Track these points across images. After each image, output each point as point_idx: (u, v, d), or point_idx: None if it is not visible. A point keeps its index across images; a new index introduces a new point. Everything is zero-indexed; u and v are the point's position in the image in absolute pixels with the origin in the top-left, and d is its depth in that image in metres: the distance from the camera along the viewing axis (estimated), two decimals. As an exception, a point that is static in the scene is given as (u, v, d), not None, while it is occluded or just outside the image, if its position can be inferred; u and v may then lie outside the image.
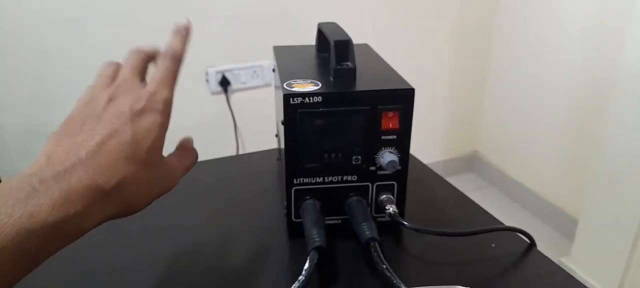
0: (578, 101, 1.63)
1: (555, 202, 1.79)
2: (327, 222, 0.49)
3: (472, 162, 2.20)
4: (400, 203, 0.50)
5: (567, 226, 1.68)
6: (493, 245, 0.50)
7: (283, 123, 0.46)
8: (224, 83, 1.50)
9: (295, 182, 0.48)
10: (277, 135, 0.64)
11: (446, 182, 0.63)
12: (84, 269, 0.46)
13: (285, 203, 0.49)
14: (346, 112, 0.45)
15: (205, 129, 1.50)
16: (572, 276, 0.46)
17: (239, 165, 0.69)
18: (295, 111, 0.45)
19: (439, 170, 0.66)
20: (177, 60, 0.37)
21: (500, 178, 2.05)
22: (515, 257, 0.48)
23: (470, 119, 2.13)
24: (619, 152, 1.30)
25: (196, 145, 0.42)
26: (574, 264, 1.44)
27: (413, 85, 0.47)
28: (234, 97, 1.56)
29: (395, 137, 0.47)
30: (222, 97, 1.54)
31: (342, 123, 0.46)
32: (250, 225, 0.54)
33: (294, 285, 0.40)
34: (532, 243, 0.50)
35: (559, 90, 1.70)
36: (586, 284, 0.43)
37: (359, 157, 0.48)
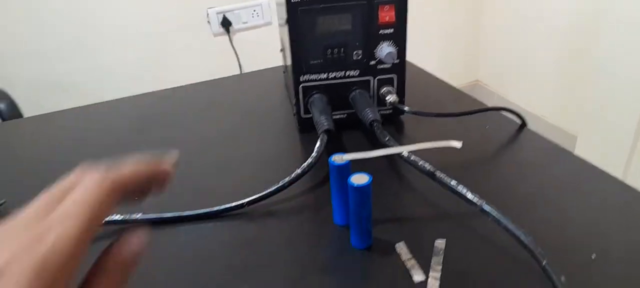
0: (574, 25, 1.64)
1: (555, 122, 1.83)
2: (333, 116, 0.53)
3: (474, 91, 2.23)
4: (400, 95, 0.54)
5: (566, 144, 1.73)
6: (487, 126, 0.54)
7: (286, 22, 0.49)
8: (226, 24, 1.52)
9: (301, 79, 0.52)
10: (281, 50, 0.68)
11: (442, 81, 0.67)
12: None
13: (294, 101, 0.53)
14: (344, 7, 0.49)
15: (211, 72, 1.53)
16: (562, 147, 0.50)
17: (246, 81, 0.73)
18: (296, 10, 0.48)
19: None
20: (108, 189, 0.22)
21: (501, 104, 2.09)
22: (508, 136, 0.53)
23: (471, 50, 2.14)
24: (612, 71, 1.32)
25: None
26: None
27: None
28: (236, 38, 1.59)
29: (392, 30, 0.51)
30: (225, 38, 1.56)
31: (341, 19, 0.50)
32: (262, 127, 0.58)
33: (306, 161, 0.45)
34: (523, 123, 0.54)
35: (555, 14, 1.70)
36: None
37: (360, 51, 0.51)
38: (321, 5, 0.48)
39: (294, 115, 0.56)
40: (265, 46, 1.56)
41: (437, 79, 0.68)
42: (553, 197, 0.43)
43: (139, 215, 0.42)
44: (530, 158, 0.49)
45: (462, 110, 0.59)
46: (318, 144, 0.46)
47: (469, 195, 0.37)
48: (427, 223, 0.40)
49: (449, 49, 2.08)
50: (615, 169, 1.37)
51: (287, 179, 0.43)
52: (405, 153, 0.42)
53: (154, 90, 0.71)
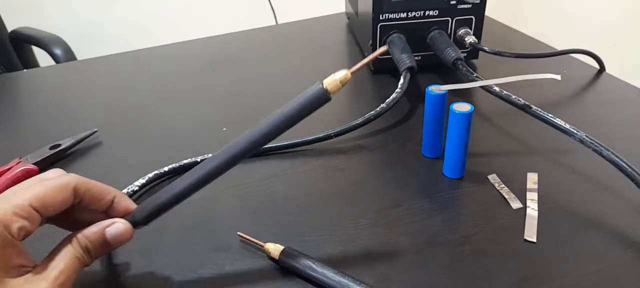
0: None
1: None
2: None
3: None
4: (477, 37, 0.53)
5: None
6: (564, 71, 0.54)
7: (370, -41, 0.49)
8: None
9: (381, 17, 0.51)
10: (347, -6, 0.67)
11: (511, 28, 0.66)
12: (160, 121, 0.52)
13: (371, 41, 0.53)
14: (431, -58, 0.48)
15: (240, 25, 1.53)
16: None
17: (302, 28, 0.73)
18: (382, -55, 0.48)
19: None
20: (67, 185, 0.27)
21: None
22: (587, 80, 0.52)
23: None
24: None
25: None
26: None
27: None
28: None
29: (475, -32, 0.50)
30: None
31: (426, -45, 0.49)
32: (333, 68, 0.58)
33: (390, 96, 0.45)
34: (602, 68, 0.53)
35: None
36: None
37: (441, -10, 0.51)
38: (407, -60, 0.48)
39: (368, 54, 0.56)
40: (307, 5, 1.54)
41: (505, 25, 0.66)
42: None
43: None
44: (612, 99, 0.49)
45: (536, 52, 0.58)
46: (401, 80, 0.46)
47: (567, 126, 0.37)
48: (518, 157, 0.41)
49: None
50: None
51: (372, 112, 0.44)
52: (495, 87, 0.42)
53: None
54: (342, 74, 0.28)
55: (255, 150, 0.29)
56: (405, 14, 0.51)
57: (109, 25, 1.48)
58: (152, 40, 0.74)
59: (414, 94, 0.50)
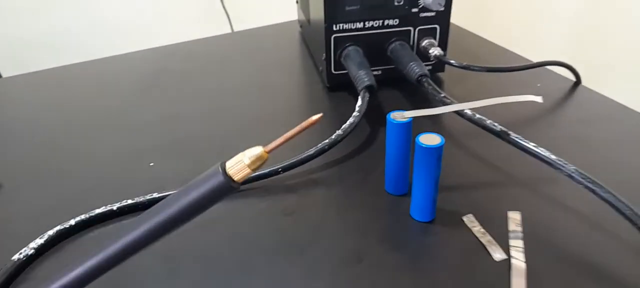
0: None
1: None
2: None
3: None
4: (442, 48, 0.48)
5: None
6: (539, 84, 0.49)
7: (320, -39, 0.42)
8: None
9: (334, 28, 0.45)
10: (297, 1, 0.61)
11: (477, 35, 0.61)
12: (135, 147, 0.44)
13: (322, 55, 0.47)
14: (389, -59, 0.42)
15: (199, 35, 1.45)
16: (623, 105, 0.45)
17: (252, 38, 0.66)
18: (334, -55, 0.41)
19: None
20: None
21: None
22: (562, 94, 0.47)
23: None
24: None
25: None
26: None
27: None
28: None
29: (439, -28, 0.44)
30: (217, -1, 1.47)
31: (384, -44, 0.43)
32: (283, 86, 0.51)
33: (347, 121, 0.38)
34: (578, 80, 0.49)
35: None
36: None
37: (402, -4, 0.45)
38: (362, -61, 0.41)
39: (320, 72, 0.50)
40: (262, 3, 1.47)
41: (471, 33, 0.61)
42: (625, 157, 0.38)
43: (152, 196, 0.35)
44: (590, 116, 0.44)
45: (508, 64, 0.53)
46: (360, 102, 0.40)
47: (554, 158, 0.31)
48: (496, 190, 0.35)
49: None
50: None
51: (327, 141, 0.37)
52: (468, 111, 0.36)
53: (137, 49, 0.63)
54: (254, 152, 0.20)
55: (121, 262, 0.21)
56: (361, 23, 0.45)
57: (38, 36, 1.35)
58: (86, 54, 0.65)
59: (374, 116, 0.44)
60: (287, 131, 0.22)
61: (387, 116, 0.32)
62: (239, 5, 1.52)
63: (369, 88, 0.41)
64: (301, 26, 0.63)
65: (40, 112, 0.49)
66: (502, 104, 0.33)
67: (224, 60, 0.59)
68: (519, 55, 0.55)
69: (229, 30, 1.52)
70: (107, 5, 1.40)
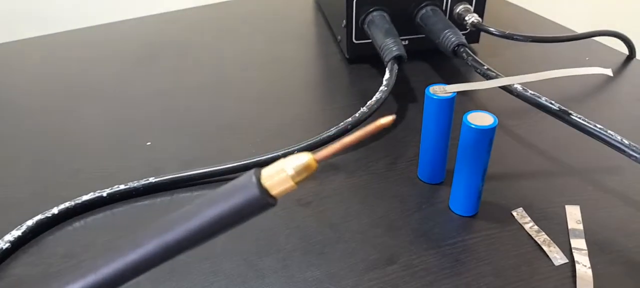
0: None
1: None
2: (394, 41, 0.42)
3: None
4: (480, 14, 0.42)
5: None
6: (587, 58, 0.43)
7: None
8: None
9: (357, -10, 0.39)
10: (314, -37, 0.55)
11: (519, 6, 0.55)
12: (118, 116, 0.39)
13: (344, 22, 0.41)
14: None
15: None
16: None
17: (265, 3, 0.60)
18: None
19: None
20: None
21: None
22: (615, 68, 0.42)
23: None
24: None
25: None
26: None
27: None
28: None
29: None
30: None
31: None
32: (297, 57, 0.46)
33: (373, 97, 0.33)
34: (632, 53, 0.43)
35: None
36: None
37: (435, -46, 0.39)
38: None
39: (339, 41, 0.44)
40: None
41: (508, 2, 0.55)
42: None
43: (148, 180, 0.31)
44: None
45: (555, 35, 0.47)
46: (387, 74, 0.35)
47: (626, 143, 0.26)
48: (550, 180, 0.30)
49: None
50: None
51: (350, 120, 0.32)
52: (518, 85, 0.31)
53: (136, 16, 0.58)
54: (301, 161, 0.15)
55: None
56: (388, -15, 0.40)
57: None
58: (83, 20, 0.59)
59: (401, 92, 0.39)
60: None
61: (426, 90, 0.27)
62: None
63: (398, 58, 0.36)
64: (316, -9, 0.58)
65: (22, 85, 0.44)
66: (549, 79, 0.27)
67: (230, 29, 0.53)
68: (562, 26, 0.49)
69: None
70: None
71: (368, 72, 0.42)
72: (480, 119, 0.24)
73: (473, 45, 0.45)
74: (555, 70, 0.26)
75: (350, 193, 0.29)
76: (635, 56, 0.43)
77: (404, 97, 0.38)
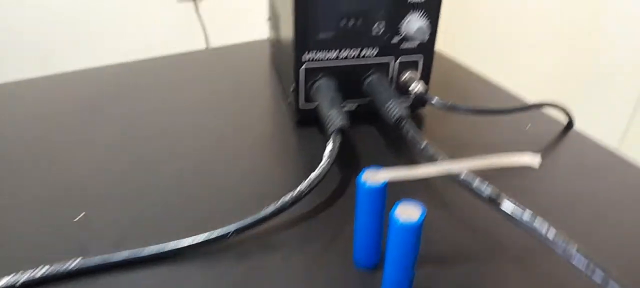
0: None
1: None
2: (345, 108, 0.42)
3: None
4: (425, 82, 0.43)
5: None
6: (528, 125, 0.44)
7: (289, -19, 0.37)
8: (193, -12, 1.36)
9: (304, 58, 0.39)
10: (270, 18, 0.55)
11: (463, 66, 0.56)
12: (52, 183, 0.38)
13: (291, 86, 0.41)
14: (368, -37, 0.37)
15: (172, 47, 1.38)
16: (617, 155, 0.41)
17: (218, 57, 0.60)
18: (305, -36, 0.36)
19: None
20: None
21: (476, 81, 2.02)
22: (552, 137, 0.43)
23: (448, 28, 2.04)
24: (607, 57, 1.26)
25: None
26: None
27: None
28: (203, 6, 1.42)
29: (424, -1, 0.39)
30: (190, 5, 1.40)
31: (362, -21, 0.38)
32: (244, 119, 0.46)
33: (312, 172, 0.33)
34: (571, 122, 0.44)
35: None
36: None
37: (382, 23, 0.39)
38: (337, -41, 0.36)
39: (289, 104, 0.44)
40: (240, 16, 1.40)
41: (455, 63, 0.57)
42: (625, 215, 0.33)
43: (75, 262, 0.29)
44: (588, 166, 0.40)
45: (496, 105, 0.48)
46: (330, 147, 0.34)
47: (550, 237, 0.26)
48: (484, 267, 0.30)
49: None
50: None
51: (288, 197, 0.32)
52: (455, 168, 0.31)
53: (96, 66, 0.57)
54: None
55: None
56: (336, 52, 0.40)
57: None
58: (47, 68, 0.58)
59: (346, 161, 0.39)
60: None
61: (358, 178, 0.26)
62: (217, 18, 1.46)
63: (340, 131, 0.36)
64: (272, 46, 0.58)
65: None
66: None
67: (177, 85, 0.52)
68: (508, 93, 0.50)
69: (203, 45, 1.46)
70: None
71: (318, 136, 0.42)
72: (409, 211, 0.24)
73: (422, 110, 0.46)
74: (485, 159, 0.27)
75: (286, 277, 0.28)
76: (573, 126, 0.44)
77: (349, 166, 0.38)
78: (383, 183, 0.26)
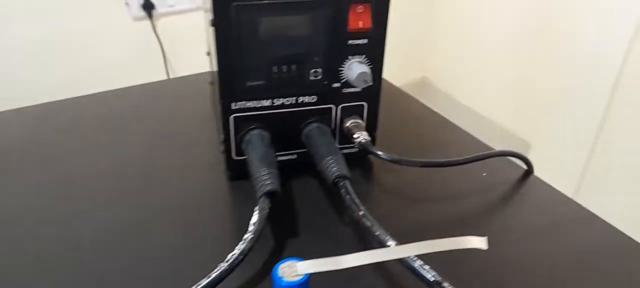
0: (528, 22, 1.57)
1: (507, 126, 1.77)
2: (279, 158, 0.38)
3: (420, 89, 2.14)
4: (371, 130, 0.39)
5: (520, 150, 1.68)
6: (484, 174, 0.41)
7: (213, 24, 0.33)
8: (148, 6, 1.29)
9: (233, 106, 0.35)
10: (208, 53, 0.50)
11: (420, 103, 0.53)
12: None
13: (222, 136, 0.37)
14: (300, 3, 0.33)
15: (129, 63, 1.31)
16: (577, 203, 0.38)
17: (162, 92, 0.55)
18: (229, 4, 0.32)
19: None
20: None
21: (450, 104, 2.02)
22: (510, 186, 0.40)
23: (419, 44, 2.04)
24: (568, 72, 1.27)
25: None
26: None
27: None
28: (160, 23, 1.36)
29: (367, 41, 0.35)
30: (147, 23, 1.33)
31: (295, 22, 0.34)
32: (178, 166, 0.41)
33: (238, 246, 0.28)
34: (530, 169, 0.41)
35: (509, 10, 1.64)
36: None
37: (319, 69, 0.36)
38: (266, 0, 0.32)
39: (223, 152, 0.40)
40: (195, 35, 1.35)
41: (413, 98, 0.53)
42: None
43: None
44: (547, 213, 0.36)
45: (451, 146, 0.45)
46: (255, 217, 0.30)
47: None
48: None
49: (396, 42, 1.97)
50: (570, 180, 1.32)
51: (206, 280, 0.27)
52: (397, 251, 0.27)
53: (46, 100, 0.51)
54: None
55: None
56: (269, 101, 0.36)
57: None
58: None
59: (285, 224, 0.34)
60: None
61: (274, 271, 0.22)
62: (175, 35, 1.41)
63: (270, 194, 0.31)
64: (211, 83, 0.53)
65: None
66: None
67: (106, 127, 0.47)
68: (462, 131, 0.47)
69: (162, 63, 1.40)
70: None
71: (251, 192, 0.38)
72: (291, 271, 0.20)
73: (370, 157, 0.42)
74: (429, 243, 0.23)
75: None
76: (533, 172, 0.41)
77: (279, 237, 0.34)
78: (303, 278, 0.22)
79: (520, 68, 1.66)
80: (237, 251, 0.28)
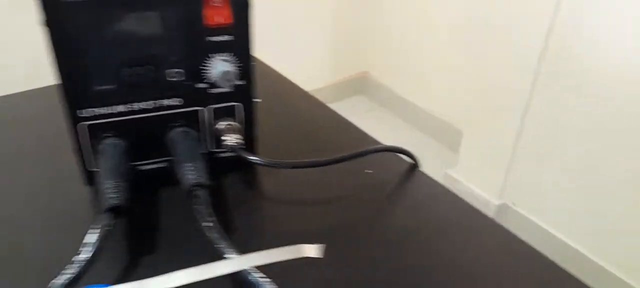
0: (466, 16, 1.61)
1: (443, 117, 1.81)
2: (143, 168, 0.35)
3: (362, 84, 2.14)
4: (247, 130, 0.37)
5: (454, 139, 1.71)
6: (368, 171, 0.39)
7: (46, 24, 0.29)
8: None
9: (82, 114, 0.32)
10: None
11: (321, 103, 0.51)
12: None
13: (73, 146, 0.33)
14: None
15: (41, 71, 1.23)
16: (458, 197, 0.37)
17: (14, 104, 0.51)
18: (59, 3, 0.28)
19: (326, 95, 0.54)
20: None
21: (390, 98, 2.03)
22: (394, 182, 0.39)
23: (360, 39, 2.04)
24: (499, 67, 1.30)
25: None
26: (459, 174, 1.47)
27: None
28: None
29: (229, 37, 0.33)
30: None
31: (141, 18, 0.31)
32: (35, 177, 0.37)
33: (63, 273, 0.25)
34: (415, 164, 0.40)
35: (447, 8, 1.67)
36: (470, 191, 0.37)
37: (181, 70, 0.33)
38: (103, -4, 0.29)
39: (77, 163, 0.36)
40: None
41: (300, 89, 0.51)
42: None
43: None
44: (419, 210, 0.36)
45: (344, 144, 0.43)
46: (88, 237, 0.27)
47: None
48: None
49: (336, 37, 1.96)
50: (498, 168, 1.36)
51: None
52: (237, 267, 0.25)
53: None
54: None
55: None
56: (124, 106, 0.33)
57: None
58: None
59: (130, 243, 0.32)
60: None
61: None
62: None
63: (112, 210, 0.28)
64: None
65: None
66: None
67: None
68: (361, 131, 0.46)
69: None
70: None
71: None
72: None
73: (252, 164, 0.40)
74: (261, 254, 0.21)
75: None
76: (418, 167, 0.40)
77: (133, 251, 0.31)
78: (106, 310, 0.19)
79: (458, 60, 1.70)
80: (63, 278, 0.25)
